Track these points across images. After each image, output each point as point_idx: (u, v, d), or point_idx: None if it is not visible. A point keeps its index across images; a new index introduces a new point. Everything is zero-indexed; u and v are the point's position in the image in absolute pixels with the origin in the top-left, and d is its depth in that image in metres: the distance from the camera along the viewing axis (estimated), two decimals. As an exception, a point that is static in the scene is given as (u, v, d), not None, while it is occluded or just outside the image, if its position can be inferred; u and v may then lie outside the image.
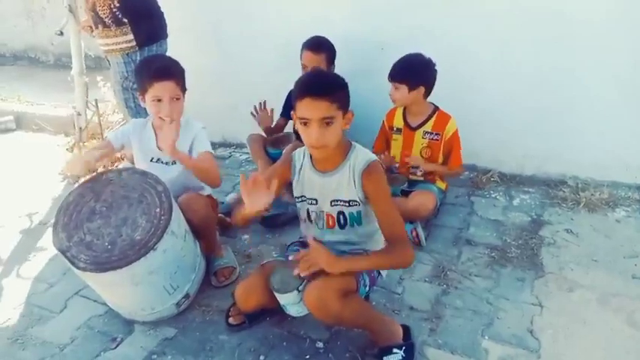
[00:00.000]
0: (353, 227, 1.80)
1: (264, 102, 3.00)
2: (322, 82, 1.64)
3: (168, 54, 2.82)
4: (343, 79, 1.69)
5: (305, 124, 1.61)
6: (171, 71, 2.10)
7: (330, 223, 1.82)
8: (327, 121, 1.58)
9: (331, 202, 1.78)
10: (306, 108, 1.59)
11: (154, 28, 2.80)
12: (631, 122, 2.68)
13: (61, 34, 3.45)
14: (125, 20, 2.67)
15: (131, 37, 2.70)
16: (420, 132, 2.58)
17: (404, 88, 2.47)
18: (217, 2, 3.32)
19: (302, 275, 1.62)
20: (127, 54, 2.73)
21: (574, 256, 2.27)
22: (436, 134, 2.56)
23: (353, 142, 1.78)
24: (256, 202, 1.60)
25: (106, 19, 2.67)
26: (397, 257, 1.68)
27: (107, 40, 2.75)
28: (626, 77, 2.61)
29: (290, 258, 1.70)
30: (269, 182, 1.62)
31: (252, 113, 3.02)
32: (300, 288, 1.65)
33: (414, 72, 2.47)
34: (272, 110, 3.00)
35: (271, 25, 3.24)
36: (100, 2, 2.64)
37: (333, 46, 2.78)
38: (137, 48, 2.73)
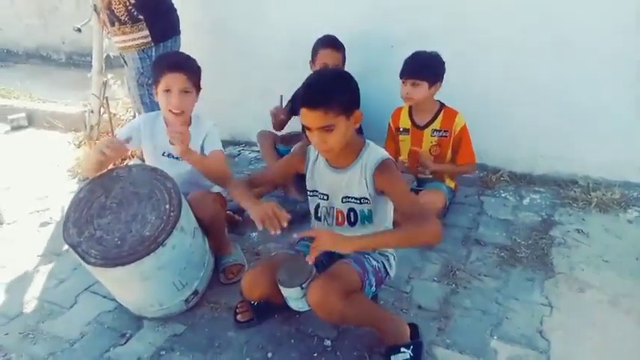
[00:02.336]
0: (363, 224, 1.80)
1: (282, 96, 2.91)
2: (317, 93, 1.59)
3: (181, 50, 2.85)
4: (347, 81, 1.65)
5: (308, 129, 1.63)
6: (182, 64, 2.14)
7: (340, 219, 1.82)
8: (326, 129, 1.59)
9: (342, 199, 1.78)
10: (304, 117, 1.61)
11: (168, 25, 2.85)
12: (643, 122, 2.65)
13: (79, 30, 3.48)
14: (141, 17, 2.71)
15: (147, 32, 2.74)
16: (428, 130, 2.57)
17: (425, 85, 2.44)
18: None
19: (309, 262, 1.59)
20: (143, 50, 2.78)
21: (585, 257, 2.25)
22: (445, 131, 2.54)
23: (367, 141, 1.78)
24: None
25: (122, 17, 2.72)
26: (422, 230, 1.56)
27: (123, 37, 2.79)
28: (638, 80, 2.58)
29: (295, 236, 1.67)
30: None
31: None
32: (304, 285, 1.65)
33: (434, 67, 2.45)
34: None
35: (281, 23, 3.25)
36: (116, 0, 2.68)
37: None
38: (152, 44, 2.77)
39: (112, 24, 2.80)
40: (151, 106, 2.81)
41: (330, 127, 1.58)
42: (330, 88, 1.59)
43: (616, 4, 2.50)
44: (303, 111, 1.59)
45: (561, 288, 2.07)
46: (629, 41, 2.53)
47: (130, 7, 2.70)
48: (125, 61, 2.94)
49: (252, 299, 1.91)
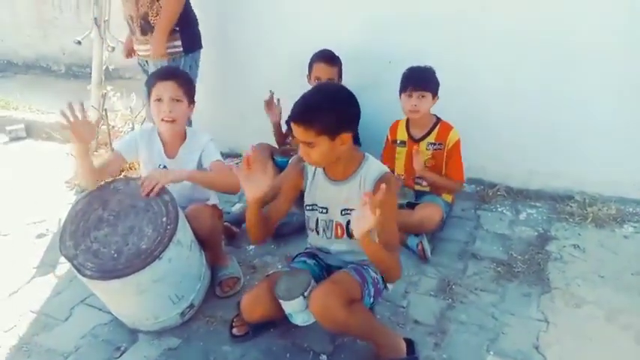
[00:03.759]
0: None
1: (272, 93, 2.94)
2: (303, 110, 1.62)
3: None
4: (340, 103, 1.63)
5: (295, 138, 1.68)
6: (172, 73, 2.21)
7: (339, 232, 1.82)
8: (308, 144, 1.62)
9: (342, 212, 1.79)
10: (293, 128, 1.65)
11: (195, 36, 2.99)
12: (639, 139, 2.67)
13: (79, 43, 3.51)
14: (177, 28, 2.83)
15: (179, 42, 2.86)
16: (424, 143, 2.59)
17: (429, 97, 2.48)
18: (226, 14, 3.36)
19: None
20: (174, 59, 2.88)
21: (581, 272, 2.26)
22: (439, 144, 2.56)
23: (366, 154, 1.79)
24: (255, 186, 1.64)
25: (152, 27, 2.80)
26: (393, 267, 1.73)
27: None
28: (633, 96, 2.61)
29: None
30: (267, 167, 1.67)
31: (265, 102, 2.95)
32: (305, 294, 1.65)
33: (435, 80, 2.51)
34: (278, 100, 2.94)
35: (280, 38, 3.27)
36: (153, 12, 2.78)
37: (340, 59, 2.82)
38: (183, 53, 2.89)
39: (145, 33, 2.88)
40: None
41: (311, 144, 1.61)
42: (316, 108, 1.60)
43: (617, 24, 2.53)
44: (292, 123, 1.64)
45: (557, 303, 2.07)
46: (626, 61, 2.56)
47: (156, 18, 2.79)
48: (145, 71, 3.00)
49: (253, 321, 1.91)
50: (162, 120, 2.14)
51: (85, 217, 1.94)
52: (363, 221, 1.51)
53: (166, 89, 2.12)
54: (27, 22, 6.47)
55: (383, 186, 1.50)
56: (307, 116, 1.60)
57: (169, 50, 2.86)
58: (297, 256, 2.00)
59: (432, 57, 2.62)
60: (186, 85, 2.21)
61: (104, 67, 3.66)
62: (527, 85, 2.77)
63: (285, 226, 2.59)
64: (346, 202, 1.77)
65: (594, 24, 2.57)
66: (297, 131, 1.62)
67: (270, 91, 2.94)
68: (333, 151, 1.64)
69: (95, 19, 3.44)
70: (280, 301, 1.70)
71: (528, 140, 2.88)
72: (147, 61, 3.00)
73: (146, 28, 2.85)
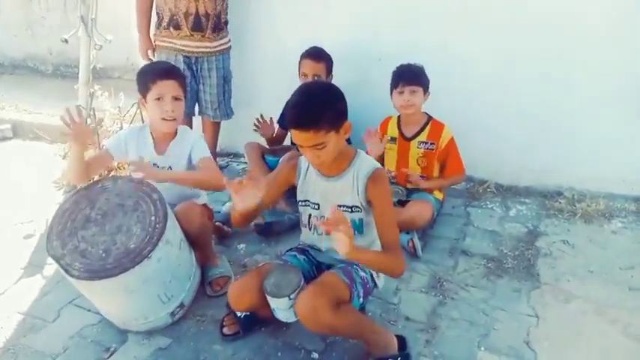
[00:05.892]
0: (353, 236, 1.79)
1: (261, 115, 3.00)
2: (305, 115, 1.57)
3: None
4: (332, 96, 1.63)
5: (300, 146, 1.63)
6: (172, 71, 2.19)
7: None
8: (318, 147, 1.60)
9: None
10: (295, 137, 1.61)
11: None
12: (627, 136, 2.71)
13: (66, 41, 3.47)
14: (227, 24, 3.11)
15: (230, 37, 3.15)
16: (415, 142, 2.59)
17: (420, 92, 2.50)
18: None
19: (319, 226, 1.55)
20: (229, 51, 3.16)
21: (570, 267, 2.27)
22: (431, 143, 2.56)
23: (358, 150, 1.79)
24: (245, 199, 1.62)
25: (222, 24, 3.04)
26: (392, 264, 1.69)
27: (220, 41, 3.08)
28: (622, 93, 2.64)
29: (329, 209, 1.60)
30: (260, 184, 1.64)
31: (254, 129, 3.02)
32: (292, 296, 1.64)
33: (426, 76, 2.53)
34: (271, 119, 3.01)
35: (269, 36, 3.27)
36: (224, 11, 3.03)
37: (330, 56, 2.81)
38: (230, 47, 3.17)
39: (215, 31, 3.00)
40: (228, 102, 3.22)
41: (322, 145, 1.59)
42: (316, 108, 1.57)
43: (606, 18, 2.56)
44: (293, 132, 1.60)
45: (547, 298, 2.08)
46: (616, 55, 2.59)
47: (226, 16, 3.06)
48: (190, 68, 3.04)
49: (238, 310, 1.89)
50: (163, 119, 2.13)
51: (72, 216, 1.91)
52: (340, 244, 1.52)
53: (169, 88, 2.11)
54: (14, 21, 6.39)
55: (334, 208, 1.52)
56: (313, 119, 1.55)
57: (227, 45, 3.11)
58: (288, 250, 1.99)
59: (421, 55, 2.63)
60: (184, 82, 2.22)
61: (92, 66, 3.62)
62: (518, 84, 2.79)
63: (277, 225, 2.59)
64: (339, 197, 1.76)
65: (589, 17, 2.58)
66: (304, 137, 1.57)
67: (259, 117, 3.00)
68: (340, 143, 1.65)
69: (82, 17, 3.40)
70: (266, 295, 1.69)
71: (518, 137, 2.89)
72: (197, 58, 3.04)
73: (218, 26, 2.98)
